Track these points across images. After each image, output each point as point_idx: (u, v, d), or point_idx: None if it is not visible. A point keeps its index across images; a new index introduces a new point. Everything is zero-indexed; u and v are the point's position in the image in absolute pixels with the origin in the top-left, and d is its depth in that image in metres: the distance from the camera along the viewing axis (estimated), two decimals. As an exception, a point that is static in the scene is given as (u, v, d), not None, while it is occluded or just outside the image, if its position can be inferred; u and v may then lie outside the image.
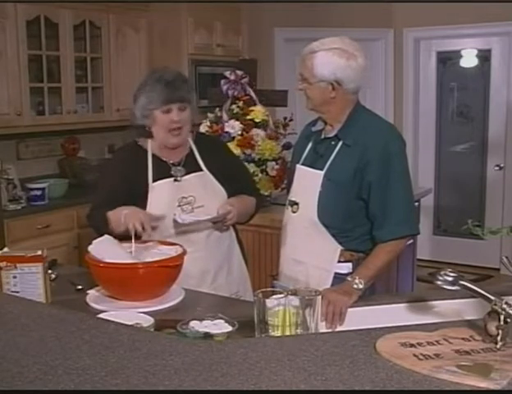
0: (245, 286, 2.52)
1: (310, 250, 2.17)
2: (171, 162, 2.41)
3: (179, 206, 2.35)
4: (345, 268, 2.14)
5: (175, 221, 2.31)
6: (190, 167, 2.41)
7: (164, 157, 2.41)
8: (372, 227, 2.12)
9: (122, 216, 2.22)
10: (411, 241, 4.03)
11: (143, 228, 2.19)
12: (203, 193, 2.39)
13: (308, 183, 2.18)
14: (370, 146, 2.08)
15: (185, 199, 2.36)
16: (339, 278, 2.12)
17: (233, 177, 2.47)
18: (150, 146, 2.42)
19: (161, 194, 2.36)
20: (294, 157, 2.36)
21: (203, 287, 2.32)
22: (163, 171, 2.39)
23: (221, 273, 2.43)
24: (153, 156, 2.41)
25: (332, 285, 2.12)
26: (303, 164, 2.24)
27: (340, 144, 2.13)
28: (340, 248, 2.13)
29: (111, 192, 2.40)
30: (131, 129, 2.43)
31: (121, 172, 2.42)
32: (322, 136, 2.21)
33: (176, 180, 2.38)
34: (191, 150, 2.45)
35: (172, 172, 2.39)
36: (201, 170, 2.42)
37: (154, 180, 2.37)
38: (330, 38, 2.11)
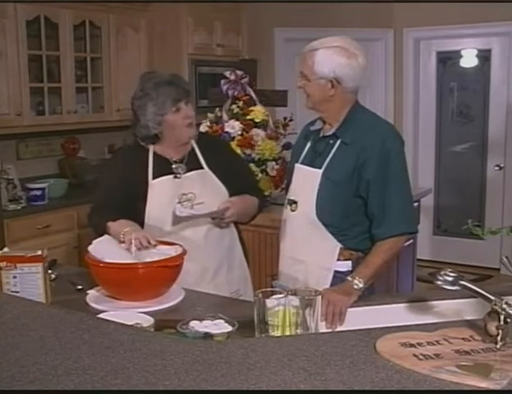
0: (246, 285, 2.52)
1: (309, 249, 2.17)
2: (173, 159, 2.42)
3: (179, 203, 2.35)
4: (345, 266, 2.14)
5: (173, 213, 2.31)
6: (191, 164, 2.42)
7: (165, 155, 2.42)
8: (370, 226, 2.13)
9: (122, 233, 2.20)
10: (411, 241, 4.03)
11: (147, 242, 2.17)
12: (204, 190, 2.39)
13: (306, 181, 2.19)
14: (368, 144, 2.09)
15: (185, 195, 2.36)
16: (338, 277, 2.12)
17: (235, 176, 2.47)
18: (152, 145, 2.42)
19: (161, 191, 2.37)
20: (293, 156, 2.36)
21: (203, 285, 2.32)
22: (164, 168, 2.39)
23: (221, 271, 2.43)
24: (154, 154, 2.41)
25: (332, 283, 2.12)
26: (302, 163, 2.25)
27: (339, 142, 2.14)
28: (339, 246, 2.14)
29: (109, 193, 2.41)
30: (135, 135, 2.42)
31: (120, 172, 2.43)
32: (321, 135, 2.22)
33: (176, 177, 2.39)
34: (193, 148, 2.46)
35: (173, 169, 2.40)
36: (202, 168, 2.43)
37: (154, 178, 2.37)
38: (331, 37, 2.12)
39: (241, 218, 2.46)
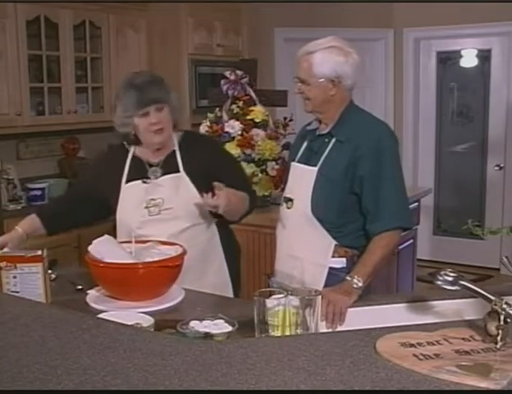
0: (223, 293, 2.33)
1: (305, 245, 2.19)
2: (150, 163, 2.39)
3: (146, 208, 2.34)
4: (339, 262, 2.16)
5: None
6: (168, 167, 2.37)
7: (145, 158, 2.40)
8: (365, 223, 2.14)
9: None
10: (411, 241, 4.04)
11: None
12: (174, 195, 2.33)
13: (302, 179, 2.21)
14: (362, 142, 2.12)
15: (153, 200, 2.34)
16: (333, 274, 2.14)
17: (217, 178, 2.30)
18: (134, 147, 2.41)
19: (130, 196, 2.37)
20: (291, 156, 2.40)
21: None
22: (139, 172, 2.38)
23: (188, 275, 2.23)
24: (134, 156, 2.41)
25: (326, 280, 2.14)
26: (298, 162, 2.28)
27: (334, 140, 2.17)
28: (334, 243, 2.16)
29: (76, 186, 2.61)
30: (118, 135, 2.41)
31: (97, 170, 2.51)
32: (316, 133, 2.24)
33: (144, 182, 2.36)
34: (174, 151, 2.40)
35: (148, 174, 2.38)
36: (178, 171, 2.36)
37: (128, 181, 2.38)
38: (322, 38, 2.16)
39: (231, 214, 2.32)
